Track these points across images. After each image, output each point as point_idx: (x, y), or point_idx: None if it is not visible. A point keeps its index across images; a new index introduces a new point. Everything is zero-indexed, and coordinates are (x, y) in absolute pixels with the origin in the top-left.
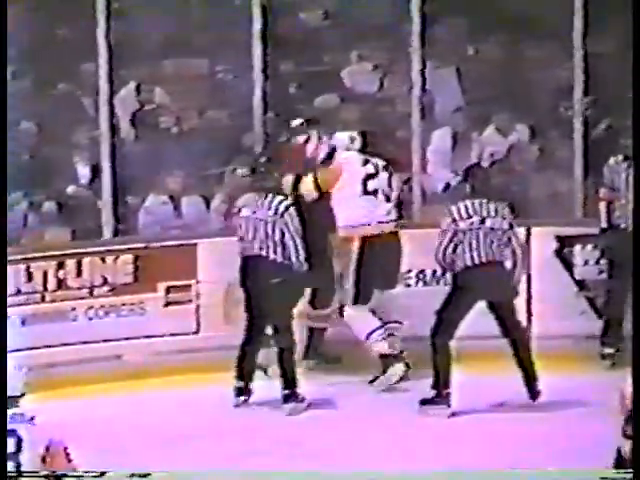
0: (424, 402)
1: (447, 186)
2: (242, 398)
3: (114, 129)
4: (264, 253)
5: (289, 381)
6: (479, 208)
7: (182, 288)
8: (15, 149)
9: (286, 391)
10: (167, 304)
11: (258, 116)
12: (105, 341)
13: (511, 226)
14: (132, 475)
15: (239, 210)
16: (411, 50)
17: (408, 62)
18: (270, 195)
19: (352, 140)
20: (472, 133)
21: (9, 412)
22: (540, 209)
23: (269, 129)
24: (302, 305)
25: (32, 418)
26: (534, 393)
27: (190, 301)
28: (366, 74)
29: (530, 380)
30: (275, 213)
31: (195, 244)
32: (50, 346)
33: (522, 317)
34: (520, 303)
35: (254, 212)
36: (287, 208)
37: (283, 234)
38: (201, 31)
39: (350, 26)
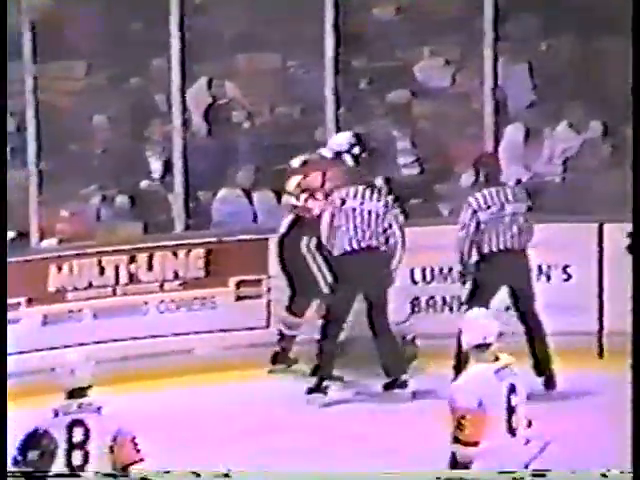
0: None
1: (518, 181)
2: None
3: (186, 124)
4: (374, 244)
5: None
6: (496, 196)
7: (253, 283)
8: (88, 143)
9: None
10: (238, 298)
11: (330, 111)
12: (176, 335)
13: (529, 209)
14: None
15: (342, 202)
16: (483, 45)
17: (480, 57)
18: (373, 187)
19: (351, 146)
20: (544, 129)
21: (76, 402)
22: (612, 206)
23: (341, 124)
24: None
25: (99, 408)
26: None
27: (261, 296)
28: (438, 69)
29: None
30: (386, 205)
31: (266, 239)
32: (122, 339)
33: (593, 313)
34: (592, 300)
35: (362, 204)
36: (395, 200)
37: (390, 226)
38: (273, 26)
39: (422, 21)
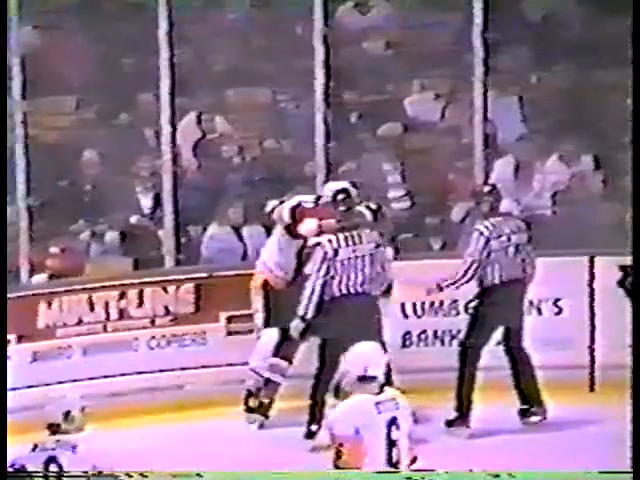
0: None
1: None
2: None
3: (176, 159)
4: (366, 289)
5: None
6: (504, 225)
7: (244, 318)
8: (77, 179)
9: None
10: (229, 333)
11: (320, 145)
12: (167, 371)
13: (529, 240)
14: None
15: (335, 253)
16: (473, 79)
17: (470, 91)
18: (358, 229)
19: (337, 194)
20: (535, 162)
21: (55, 438)
22: (603, 239)
23: (331, 159)
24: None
25: (74, 447)
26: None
27: (252, 331)
28: (428, 103)
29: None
30: (377, 246)
31: None
32: (112, 376)
33: (585, 347)
34: (583, 333)
35: (354, 251)
36: (381, 239)
37: (383, 267)
38: (263, 60)
39: (412, 55)
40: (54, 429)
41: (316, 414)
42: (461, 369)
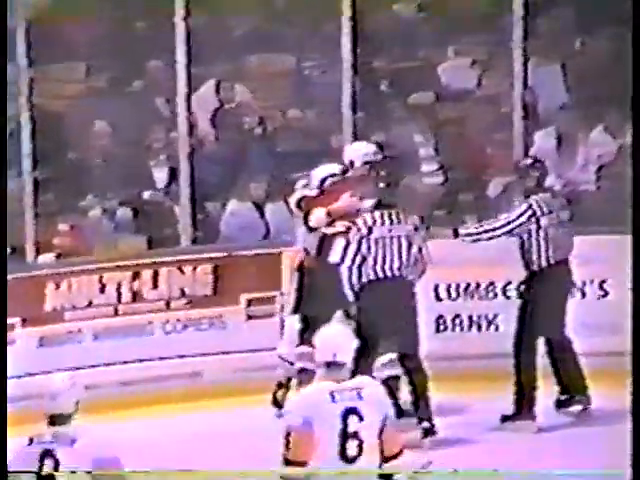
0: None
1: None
2: None
3: (192, 130)
4: (404, 273)
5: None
6: (553, 202)
7: (265, 300)
8: (87, 151)
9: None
10: (249, 317)
11: (347, 116)
12: (183, 357)
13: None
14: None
15: (370, 231)
16: (512, 44)
17: (509, 57)
18: (395, 209)
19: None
20: (578, 134)
21: (52, 430)
22: None
23: (359, 130)
24: None
25: (73, 441)
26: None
27: (273, 314)
28: (464, 70)
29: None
30: (415, 228)
31: (279, 253)
32: (125, 362)
33: (627, 331)
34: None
35: (390, 230)
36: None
37: (420, 250)
38: (286, 24)
39: (446, 19)
40: (54, 420)
41: None
42: (517, 359)
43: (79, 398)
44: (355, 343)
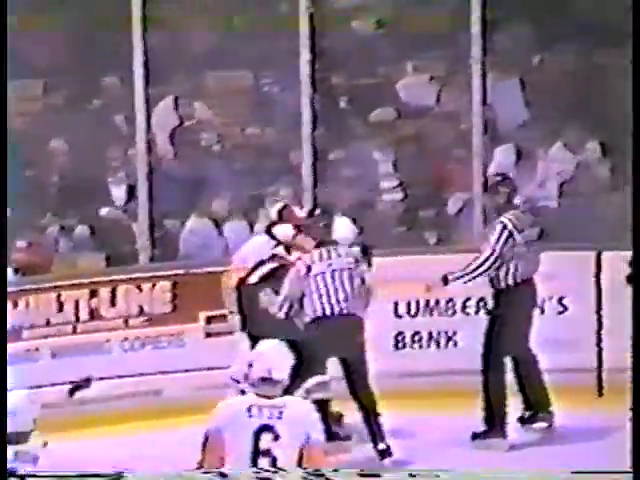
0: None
1: None
2: None
3: (150, 147)
4: (350, 307)
5: None
6: (524, 219)
7: (224, 318)
8: (44, 169)
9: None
10: (208, 335)
11: (307, 132)
12: (142, 375)
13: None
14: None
15: (309, 269)
16: (471, 60)
17: (468, 73)
18: (334, 245)
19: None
20: (538, 150)
21: (13, 449)
22: (611, 233)
23: (319, 146)
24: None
25: (35, 459)
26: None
27: (233, 332)
28: (423, 87)
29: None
30: (356, 261)
31: None
32: (75, 382)
33: (592, 348)
34: (590, 334)
35: (329, 265)
36: (361, 255)
37: (363, 281)
38: (245, 42)
39: (405, 35)
40: (11, 438)
41: None
42: (485, 376)
43: (36, 416)
44: (291, 361)
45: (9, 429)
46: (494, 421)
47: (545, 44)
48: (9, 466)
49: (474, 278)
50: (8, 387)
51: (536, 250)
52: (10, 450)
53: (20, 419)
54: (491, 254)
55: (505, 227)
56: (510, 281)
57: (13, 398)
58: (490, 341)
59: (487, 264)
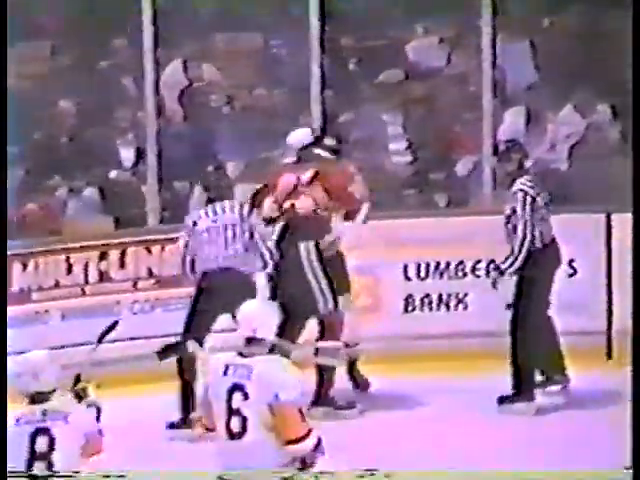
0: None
1: None
2: None
3: (160, 109)
4: (235, 264)
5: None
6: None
7: None
8: (53, 131)
9: None
10: None
11: (315, 94)
12: (152, 338)
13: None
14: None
15: (194, 223)
16: (481, 22)
17: (478, 35)
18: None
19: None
20: (547, 113)
21: (41, 407)
22: (621, 195)
23: (328, 108)
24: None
25: (65, 416)
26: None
27: None
28: (432, 48)
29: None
30: (242, 217)
31: None
32: (92, 343)
33: (602, 311)
34: (600, 296)
35: (214, 221)
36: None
37: (252, 236)
38: (254, 3)
39: None
40: (34, 398)
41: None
42: (514, 337)
43: (59, 375)
44: (277, 319)
45: (34, 389)
46: (522, 385)
47: (555, 7)
48: (38, 425)
49: (523, 257)
50: (18, 349)
51: (552, 211)
52: (36, 409)
53: (44, 379)
54: (525, 226)
55: (526, 193)
56: (538, 244)
57: (35, 358)
58: (518, 302)
59: (527, 241)
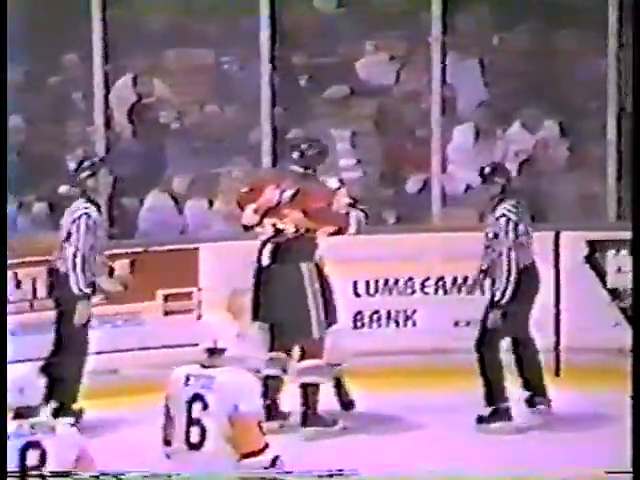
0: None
1: (468, 187)
2: None
3: (109, 124)
4: None
5: None
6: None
7: (182, 296)
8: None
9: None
10: (166, 313)
11: (266, 110)
12: (99, 353)
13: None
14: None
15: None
16: (431, 39)
17: (428, 53)
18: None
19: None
20: (496, 130)
21: (28, 422)
22: (570, 212)
23: (278, 125)
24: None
25: (53, 428)
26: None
27: (191, 310)
28: (382, 66)
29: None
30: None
31: (196, 248)
32: (40, 359)
33: (550, 328)
34: (548, 313)
35: None
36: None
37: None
38: (205, 18)
39: (365, 14)
40: (22, 413)
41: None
42: (481, 354)
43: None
44: (235, 330)
45: (18, 404)
46: (496, 401)
47: (504, 24)
48: (27, 439)
49: (513, 285)
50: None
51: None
52: (25, 424)
53: (29, 394)
54: (509, 252)
55: (509, 220)
56: (514, 270)
57: (19, 372)
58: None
59: (512, 264)
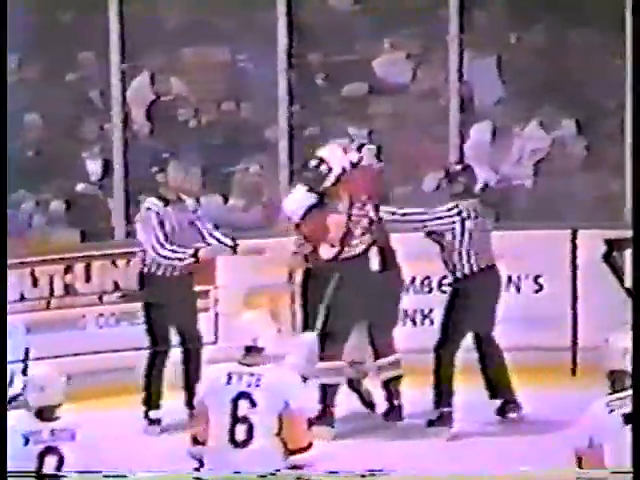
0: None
1: (486, 185)
2: None
3: (127, 122)
4: None
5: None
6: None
7: (199, 294)
8: (19, 144)
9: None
10: None
11: (283, 108)
12: (117, 351)
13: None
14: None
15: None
16: (448, 38)
17: (445, 51)
18: None
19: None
20: (513, 128)
21: (48, 427)
22: (587, 210)
23: (294, 123)
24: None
25: (73, 435)
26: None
27: (208, 309)
28: (399, 64)
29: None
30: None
31: None
32: (57, 356)
33: (567, 327)
34: (565, 312)
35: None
36: None
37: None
38: (222, 17)
39: (382, 12)
40: (45, 415)
41: None
42: (438, 360)
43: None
44: (274, 329)
45: (40, 403)
46: (441, 404)
47: (522, 22)
48: (48, 444)
49: (399, 221)
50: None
51: (489, 239)
52: (45, 428)
53: (50, 393)
54: (461, 246)
55: (458, 207)
56: (467, 270)
57: (39, 371)
58: (447, 322)
59: (420, 216)
